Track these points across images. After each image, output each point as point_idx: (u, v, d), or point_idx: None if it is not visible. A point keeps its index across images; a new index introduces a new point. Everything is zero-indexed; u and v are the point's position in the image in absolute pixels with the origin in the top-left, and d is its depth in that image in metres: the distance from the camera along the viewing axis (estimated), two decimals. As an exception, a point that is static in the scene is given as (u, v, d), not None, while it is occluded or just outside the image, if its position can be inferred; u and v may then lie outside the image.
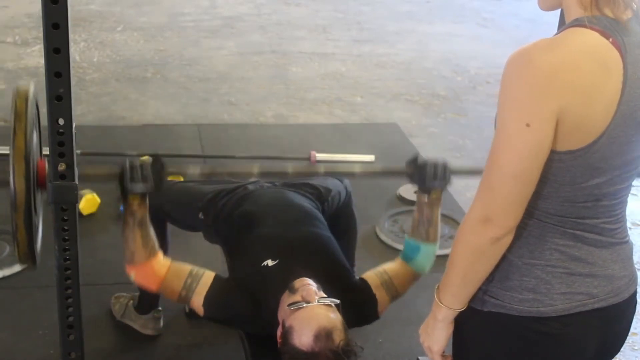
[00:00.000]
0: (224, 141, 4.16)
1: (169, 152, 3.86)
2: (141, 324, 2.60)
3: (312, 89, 5.14)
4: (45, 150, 1.84)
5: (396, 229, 3.32)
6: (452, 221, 3.31)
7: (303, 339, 1.81)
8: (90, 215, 3.27)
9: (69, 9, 1.63)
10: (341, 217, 2.56)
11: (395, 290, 2.14)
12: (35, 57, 5.33)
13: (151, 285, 2.05)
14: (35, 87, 1.85)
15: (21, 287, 2.82)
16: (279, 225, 2.25)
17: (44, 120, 1.81)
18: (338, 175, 2.46)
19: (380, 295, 2.12)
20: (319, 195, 2.47)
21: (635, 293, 1.48)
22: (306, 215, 2.33)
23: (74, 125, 1.78)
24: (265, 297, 2.02)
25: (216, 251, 2.67)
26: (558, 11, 1.46)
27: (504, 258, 1.39)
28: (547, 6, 1.39)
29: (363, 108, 4.90)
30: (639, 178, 1.52)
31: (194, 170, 2.07)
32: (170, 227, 2.56)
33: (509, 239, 1.35)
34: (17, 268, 2.85)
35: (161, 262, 2.03)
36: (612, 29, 1.27)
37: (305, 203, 2.39)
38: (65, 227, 1.87)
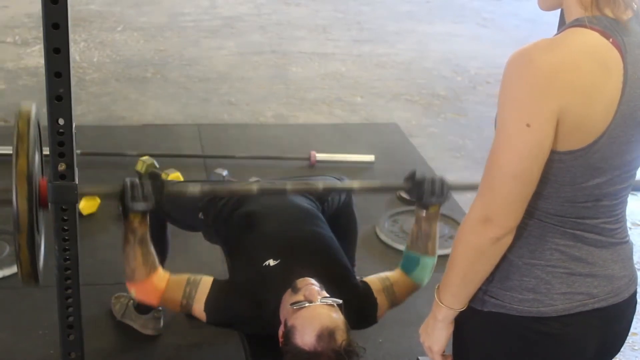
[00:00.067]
0: (224, 141, 4.15)
1: (169, 152, 3.86)
2: (141, 324, 2.60)
3: (312, 89, 5.14)
4: (46, 150, 1.84)
5: (396, 229, 3.32)
6: (452, 221, 3.31)
7: (305, 338, 1.81)
8: (90, 215, 3.27)
9: (69, 9, 1.63)
10: (341, 217, 2.56)
11: (395, 297, 2.17)
12: (35, 57, 5.33)
13: (152, 300, 2.07)
14: (37, 107, 1.87)
15: (21, 287, 2.79)
16: (280, 225, 2.25)
17: (45, 120, 1.81)
18: (337, 189, 2.47)
19: (381, 299, 2.13)
20: (319, 195, 2.48)
21: (635, 293, 1.48)
22: (307, 214, 2.33)
23: (74, 125, 1.78)
24: (266, 297, 2.03)
25: (216, 251, 2.67)
26: (558, 11, 1.46)
27: (504, 258, 1.39)
28: (547, 6, 1.39)
29: (363, 108, 4.90)
30: None
31: (194, 189, 2.09)
32: (170, 227, 2.56)
33: (509, 239, 1.35)
34: (17, 268, 2.84)
35: (161, 276, 2.04)
36: (612, 29, 1.27)
37: (306, 203, 2.39)
38: (65, 227, 1.87)
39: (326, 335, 1.81)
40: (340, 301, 1.93)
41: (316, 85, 5.22)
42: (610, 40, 1.26)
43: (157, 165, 3.59)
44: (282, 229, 2.24)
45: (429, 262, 2.21)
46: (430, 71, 5.66)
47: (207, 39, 6.07)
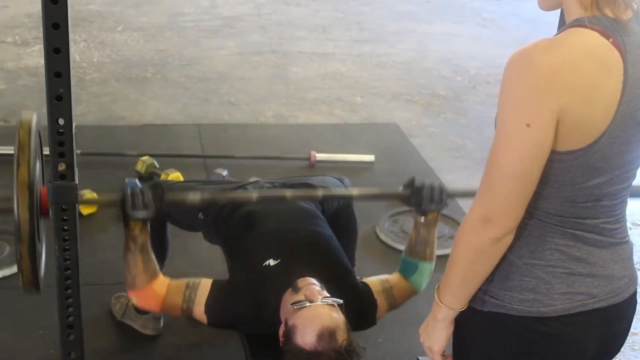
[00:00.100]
0: (224, 141, 4.15)
1: (169, 152, 3.86)
2: (141, 324, 2.60)
3: (312, 89, 5.14)
4: (46, 151, 1.84)
5: (396, 229, 3.32)
6: (452, 221, 3.31)
7: (306, 338, 1.82)
8: (90, 215, 3.27)
9: (69, 9, 1.63)
10: (341, 217, 2.56)
11: (394, 300, 2.17)
12: (35, 57, 5.33)
13: (153, 306, 2.08)
14: (38, 116, 1.88)
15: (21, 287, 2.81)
16: (280, 225, 2.25)
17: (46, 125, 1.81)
18: (336, 197, 2.47)
19: (381, 301, 2.14)
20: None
21: (635, 293, 1.48)
22: (307, 214, 2.33)
23: (74, 125, 1.78)
24: (266, 297, 2.03)
25: (216, 251, 2.67)
26: (558, 11, 1.46)
27: (504, 258, 1.39)
28: (547, 6, 1.39)
29: (363, 108, 4.90)
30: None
31: (194, 197, 2.10)
32: (170, 227, 2.56)
33: (509, 239, 1.35)
34: (17, 268, 2.84)
35: (161, 282, 2.05)
36: (612, 29, 1.27)
37: (305, 202, 2.39)
38: (65, 227, 1.87)
39: (327, 335, 1.81)
40: (341, 301, 1.93)
41: (316, 85, 5.22)
42: (611, 40, 1.26)
43: (157, 165, 3.59)
44: (282, 228, 2.24)
45: (427, 268, 2.23)
46: (430, 71, 5.66)
47: (207, 39, 6.07)
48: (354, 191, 2.37)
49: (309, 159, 3.88)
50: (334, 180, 2.61)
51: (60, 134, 1.76)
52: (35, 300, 2.70)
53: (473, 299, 1.44)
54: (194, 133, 4.26)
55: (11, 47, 5.55)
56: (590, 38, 1.26)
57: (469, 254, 1.37)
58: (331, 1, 7.44)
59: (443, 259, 1.59)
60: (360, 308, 2.09)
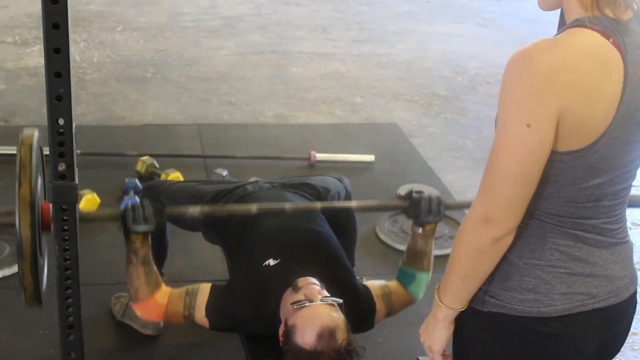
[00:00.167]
0: (224, 141, 4.15)
1: (169, 152, 3.86)
2: (141, 324, 2.60)
3: (312, 89, 5.14)
4: (46, 151, 1.84)
5: (396, 229, 3.31)
6: (452, 221, 3.31)
7: (306, 337, 1.82)
8: (90, 215, 3.27)
9: (69, 9, 1.63)
10: (341, 217, 2.56)
11: (392, 306, 2.18)
12: (35, 57, 5.33)
13: (156, 316, 2.10)
14: (39, 132, 1.90)
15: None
16: (280, 225, 2.25)
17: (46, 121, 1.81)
18: (335, 209, 2.48)
19: (380, 305, 2.15)
20: (319, 195, 2.48)
21: (635, 293, 1.48)
22: (306, 213, 2.33)
23: (74, 125, 1.78)
24: (266, 297, 2.03)
25: (216, 251, 2.67)
26: (558, 11, 1.46)
27: (504, 258, 1.39)
28: (547, 6, 1.39)
29: (363, 108, 4.90)
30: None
31: (194, 210, 2.14)
32: (170, 227, 2.56)
33: (509, 239, 1.35)
34: (17, 268, 2.84)
35: (163, 292, 2.07)
36: (612, 30, 1.27)
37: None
38: (65, 227, 1.87)
39: (327, 334, 1.81)
40: (341, 301, 1.93)
41: (316, 85, 5.22)
42: (611, 40, 1.26)
43: (157, 165, 3.59)
44: (282, 228, 2.24)
45: (425, 279, 2.24)
46: (430, 71, 5.66)
47: (207, 39, 6.07)
48: (353, 203, 2.41)
49: (309, 159, 3.88)
50: (333, 180, 2.61)
51: (60, 134, 1.76)
52: (35, 300, 2.71)
53: (473, 299, 1.44)
54: (194, 133, 4.26)
55: (11, 47, 5.55)
56: (591, 38, 1.26)
57: (469, 254, 1.37)
58: (331, 1, 7.44)
59: (443, 259, 1.59)
60: (359, 309, 2.09)
